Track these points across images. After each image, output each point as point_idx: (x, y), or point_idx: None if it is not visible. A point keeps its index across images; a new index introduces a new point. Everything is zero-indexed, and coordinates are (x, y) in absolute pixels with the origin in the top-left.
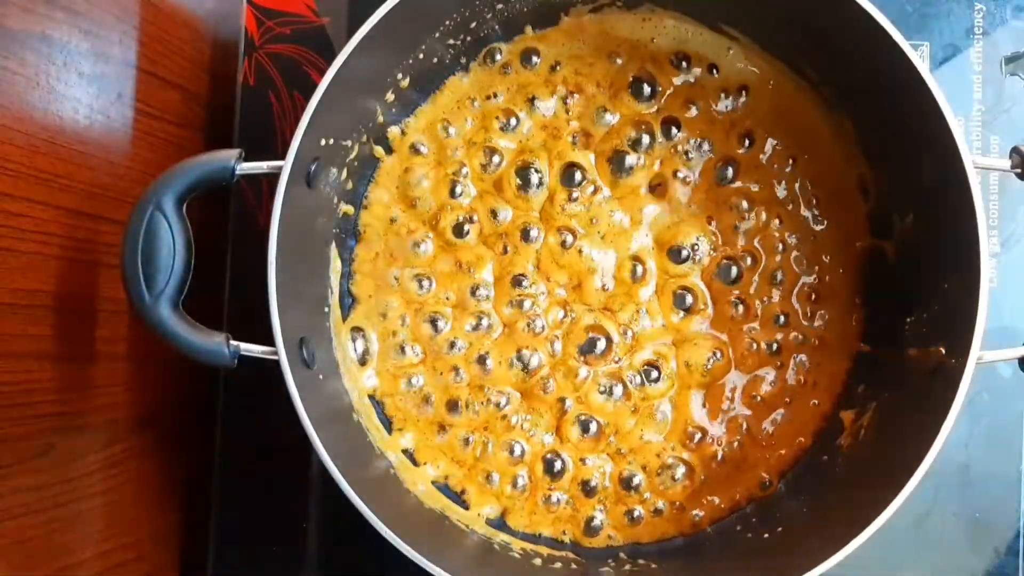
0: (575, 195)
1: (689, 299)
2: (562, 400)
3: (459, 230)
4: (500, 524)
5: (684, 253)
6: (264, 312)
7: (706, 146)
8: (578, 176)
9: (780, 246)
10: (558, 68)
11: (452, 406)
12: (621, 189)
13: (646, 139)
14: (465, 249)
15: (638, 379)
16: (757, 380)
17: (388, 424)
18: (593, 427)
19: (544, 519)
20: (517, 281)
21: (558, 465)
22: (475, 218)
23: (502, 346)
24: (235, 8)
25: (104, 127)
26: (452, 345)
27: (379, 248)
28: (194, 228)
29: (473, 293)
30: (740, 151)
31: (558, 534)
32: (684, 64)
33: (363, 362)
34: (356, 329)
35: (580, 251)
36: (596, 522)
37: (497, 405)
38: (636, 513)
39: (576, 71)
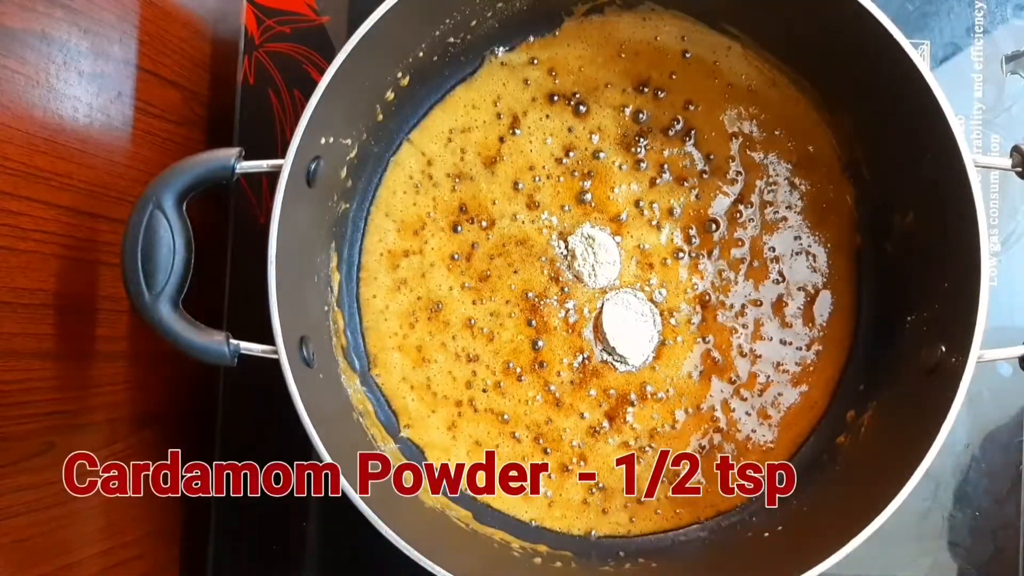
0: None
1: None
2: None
3: (454, 228)
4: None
5: (680, 256)
6: (264, 311)
7: (706, 146)
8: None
9: (780, 245)
10: (555, 72)
11: (462, 403)
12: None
13: (645, 140)
14: (463, 243)
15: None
16: (756, 380)
17: (396, 420)
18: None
19: (547, 515)
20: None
21: (571, 466)
22: (476, 221)
23: (515, 327)
24: (235, 7)
25: (104, 126)
26: (469, 358)
27: (383, 248)
28: (194, 227)
29: (484, 280)
30: (739, 150)
31: (561, 528)
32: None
33: (368, 363)
34: (359, 329)
35: (570, 251)
36: (596, 518)
37: (501, 417)
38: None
39: (578, 72)
